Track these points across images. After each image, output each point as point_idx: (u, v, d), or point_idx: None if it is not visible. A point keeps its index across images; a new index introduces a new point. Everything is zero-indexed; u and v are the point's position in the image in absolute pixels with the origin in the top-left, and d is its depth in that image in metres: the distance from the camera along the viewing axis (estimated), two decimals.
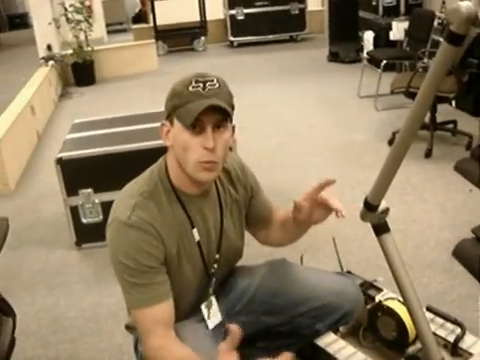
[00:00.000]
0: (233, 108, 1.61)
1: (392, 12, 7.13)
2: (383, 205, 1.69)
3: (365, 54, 6.66)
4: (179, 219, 1.67)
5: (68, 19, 7.95)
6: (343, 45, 8.21)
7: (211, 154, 1.55)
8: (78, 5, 7.96)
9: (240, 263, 1.99)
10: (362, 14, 7.84)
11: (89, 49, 8.15)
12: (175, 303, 1.65)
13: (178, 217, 1.66)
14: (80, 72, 8.22)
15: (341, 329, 2.11)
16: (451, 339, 2.04)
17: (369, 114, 5.72)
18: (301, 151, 4.92)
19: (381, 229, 1.70)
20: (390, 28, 6.65)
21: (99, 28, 10.57)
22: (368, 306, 2.11)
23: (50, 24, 7.77)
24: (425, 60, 5.15)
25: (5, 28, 15.42)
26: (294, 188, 4.14)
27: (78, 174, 3.43)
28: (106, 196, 3.40)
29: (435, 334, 2.03)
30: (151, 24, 10.20)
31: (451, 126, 4.90)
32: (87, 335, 2.74)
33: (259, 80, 7.39)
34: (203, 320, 1.81)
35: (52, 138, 5.69)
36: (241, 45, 10.11)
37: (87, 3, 8.44)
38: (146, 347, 1.62)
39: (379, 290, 2.29)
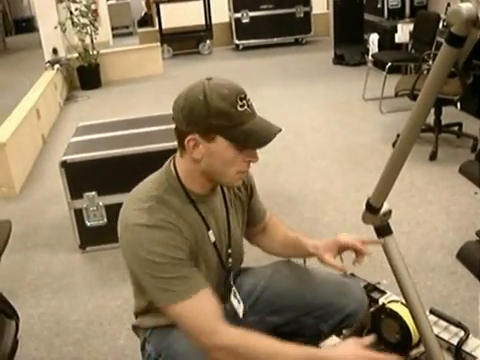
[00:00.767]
0: None
1: (397, 14, 7.12)
2: (386, 207, 1.68)
3: (370, 57, 6.64)
4: (194, 221, 1.67)
5: (74, 23, 7.96)
6: (348, 48, 8.21)
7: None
8: (84, 9, 7.97)
9: (245, 265, 2.00)
10: (367, 17, 7.82)
11: (95, 53, 8.17)
12: None
13: (193, 219, 1.67)
14: (85, 76, 8.24)
15: (344, 332, 2.10)
16: (454, 342, 2.02)
17: (374, 117, 5.71)
18: (306, 154, 4.92)
19: (383, 231, 1.69)
20: (395, 30, 6.64)
21: (105, 32, 10.59)
22: (371, 309, 2.10)
23: (56, 28, 7.79)
24: (430, 62, 5.14)
25: (11, 32, 15.49)
26: (298, 191, 4.15)
27: (82, 177, 3.43)
28: (110, 199, 3.41)
29: (438, 337, 2.02)
30: (157, 28, 10.22)
31: (456, 128, 4.89)
32: (90, 338, 2.75)
33: (264, 83, 7.40)
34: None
35: (57, 142, 5.70)
36: (246, 48, 10.12)
37: (93, 7, 8.47)
38: (210, 341, 1.54)
39: (383, 293, 2.28)
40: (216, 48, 10.33)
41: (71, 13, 7.93)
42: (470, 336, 2.06)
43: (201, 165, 1.60)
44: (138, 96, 7.56)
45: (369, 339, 1.61)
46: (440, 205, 3.74)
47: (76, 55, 8.11)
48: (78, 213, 3.47)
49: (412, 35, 6.07)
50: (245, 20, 9.92)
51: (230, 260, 1.84)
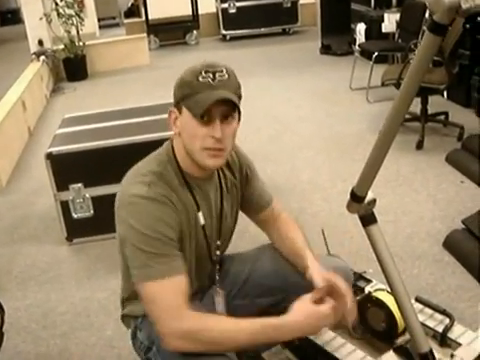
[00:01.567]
0: (240, 98, 1.64)
1: (384, 4, 7.11)
2: (370, 196, 1.68)
3: (357, 46, 6.65)
4: (187, 201, 1.69)
5: (59, 14, 7.90)
6: (335, 38, 8.21)
7: (218, 142, 1.59)
8: (69, 0, 7.92)
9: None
10: (354, 6, 7.83)
11: (81, 44, 8.11)
12: None
13: (186, 199, 1.69)
14: (72, 67, 8.19)
15: None
16: (440, 329, 2.05)
17: (361, 106, 5.71)
18: (293, 143, 4.91)
19: (368, 220, 1.70)
20: (382, 20, 6.65)
21: (91, 23, 10.54)
22: (358, 297, 2.11)
23: (41, 19, 7.75)
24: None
25: None
26: (285, 180, 4.15)
27: (68, 169, 3.41)
28: (97, 191, 3.40)
29: (424, 324, 2.04)
30: (143, 18, 10.17)
31: (442, 117, 4.90)
32: (78, 330, 2.74)
33: (251, 73, 7.37)
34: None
35: (44, 134, 5.66)
36: (233, 38, 10.09)
37: None
38: (173, 326, 1.52)
39: (368, 281, 2.30)
40: (203, 39, 10.30)
41: (57, 4, 7.87)
42: (455, 323, 2.08)
43: (183, 141, 1.64)
44: (125, 87, 7.52)
45: (316, 293, 1.62)
46: (427, 194, 3.75)
47: (62, 46, 8.04)
48: (64, 205, 3.44)
49: (399, 24, 6.07)
50: (232, 10, 9.89)
51: (218, 252, 1.86)
